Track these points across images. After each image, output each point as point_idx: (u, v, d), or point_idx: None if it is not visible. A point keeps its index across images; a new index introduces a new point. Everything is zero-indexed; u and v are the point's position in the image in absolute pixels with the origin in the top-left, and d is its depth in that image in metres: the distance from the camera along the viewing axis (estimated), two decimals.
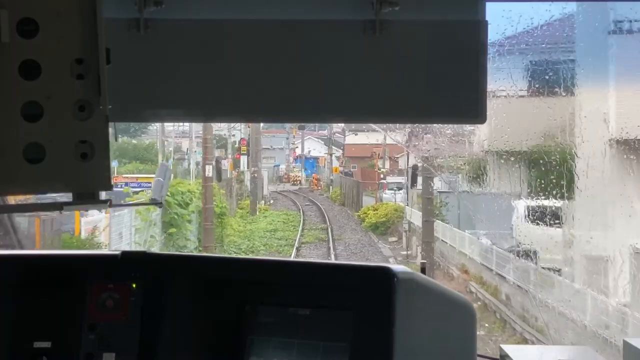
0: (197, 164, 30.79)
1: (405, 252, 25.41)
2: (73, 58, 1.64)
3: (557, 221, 11.96)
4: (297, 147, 64.10)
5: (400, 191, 34.28)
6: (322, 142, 59.54)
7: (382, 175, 40.13)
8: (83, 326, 2.22)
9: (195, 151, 32.94)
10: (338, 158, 52.18)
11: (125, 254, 2.33)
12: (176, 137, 40.48)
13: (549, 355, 2.82)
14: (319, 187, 53.70)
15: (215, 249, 22.01)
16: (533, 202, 12.31)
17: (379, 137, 38.47)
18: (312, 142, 63.90)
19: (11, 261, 2.42)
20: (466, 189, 18.83)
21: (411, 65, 2.38)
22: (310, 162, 62.40)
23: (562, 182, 10.48)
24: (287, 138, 63.34)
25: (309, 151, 63.29)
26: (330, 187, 49.00)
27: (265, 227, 30.70)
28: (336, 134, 51.03)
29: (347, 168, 49.95)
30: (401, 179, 35.25)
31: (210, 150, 24.04)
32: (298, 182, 59.20)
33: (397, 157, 38.58)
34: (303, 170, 61.57)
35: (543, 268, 14.67)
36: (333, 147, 52.36)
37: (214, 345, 2.20)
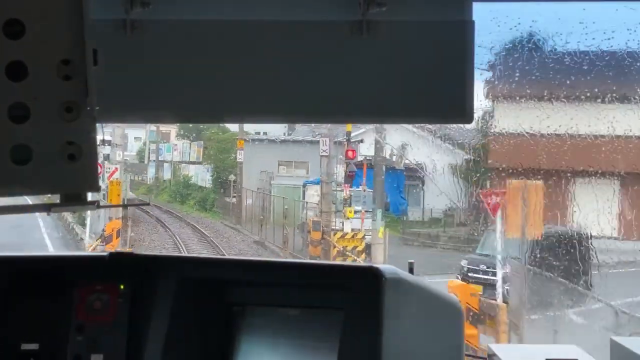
0: None
1: None
2: (60, 59, 1.63)
3: None
4: (360, 140, 27.29)
5: None
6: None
7: None
8: (71, 328, 2.21)
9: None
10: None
11: (112, 255, 2.32)
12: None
13: (537, 354, 2.83)
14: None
15: None
16: None
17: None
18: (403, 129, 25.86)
19: None
20: None
21: (399, 65, 2.39)
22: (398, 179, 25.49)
23: None
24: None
25: (391, 151, 26.61)
26: None
27: None
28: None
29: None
30: None
31: None
32: (358, 249, 21.92)
33: None
34: (380, 211, 22.17)
35: None
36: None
37: (202, 346, 2.20)
